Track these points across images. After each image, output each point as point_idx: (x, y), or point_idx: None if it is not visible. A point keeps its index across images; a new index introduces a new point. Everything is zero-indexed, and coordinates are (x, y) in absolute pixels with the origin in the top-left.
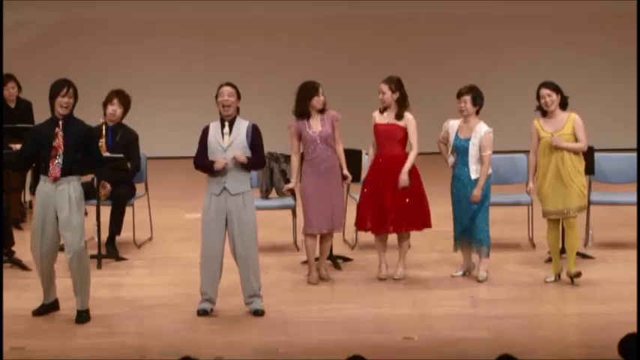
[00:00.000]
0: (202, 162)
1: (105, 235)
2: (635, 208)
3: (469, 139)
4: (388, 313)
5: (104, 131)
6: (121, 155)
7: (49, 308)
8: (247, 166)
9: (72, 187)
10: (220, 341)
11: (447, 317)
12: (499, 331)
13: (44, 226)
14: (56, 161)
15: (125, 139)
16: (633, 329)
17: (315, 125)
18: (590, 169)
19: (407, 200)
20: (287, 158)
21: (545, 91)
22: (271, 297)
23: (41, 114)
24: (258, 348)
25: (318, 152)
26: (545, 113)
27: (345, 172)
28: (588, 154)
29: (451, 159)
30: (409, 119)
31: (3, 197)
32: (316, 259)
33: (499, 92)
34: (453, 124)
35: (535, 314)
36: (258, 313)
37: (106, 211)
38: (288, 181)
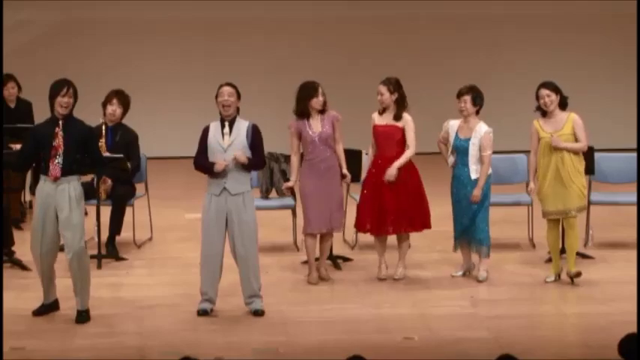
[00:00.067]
0: (202, 163)
1: (105, 235)
2: (635, 208)
3: (469, 139)
4: (388, 313)
5: (104, 131)
6: (121, 155)
7: (49, 308)
8: (247, 167)
9: (72, 186)
10: (220, 341)
11: (447, 317)
12: (499, 331)
13: (44, 225)
14: (56, 161)
15: (125, 139)
16: (633, 329)
17: (315, 126)
18: (590, 169)
19: (407, 201)
20: (287, 158)
21: (544, 92)
22: (271, 297)
23: (41, 114)
24: (258, 348)
25: (317, 153)
26: (544, 113)
27: (345, 171)
28: (588, 154)
29: (451, 159)
30: (407, 120)
31: (3, 197)
32: (316, 259)
33: (499, 92)
34: (453, 124)
35: (535, 314)
36: (258, 313)
37: (106, 211)
38: (288, 180)
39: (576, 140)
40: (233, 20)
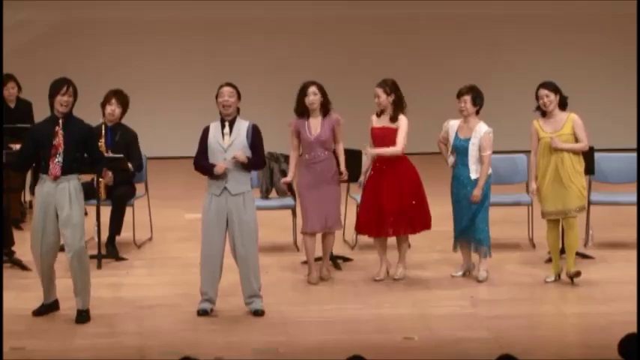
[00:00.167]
0: (202, 164)
1: (105, 235)
2: (635, 208)
3: (469, 139)
4: (388, 313)
5: (103, 131)
6: (121, 155)
7: (49, 308)
8: (247, 167)
9: (72, 185)
10: (220, 341)
11: (447, 317)
12: (499, 331)
13: (45, 225)
14: (56, 160)
15: (125, 139)
16: (633, 329)
17: (315, 127)
18: (590, 169)
19: (406, 203)
20: (287, 158)
21: (543, 92)
22: (271, 297)
23: (41, 114)
24: (258, 348)
25: (314, 155)
26: (544, 113)
27: (342, 168)
28: (588, 154)
29: (451, 159)
30: (401, 120)
31: (3, 197)
32: (318, 259)
33: (499, 92)
34: (453, 124)
35: (535, 314)
36: (258, 313)
37: (106, 211)
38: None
39: (576, 140)
40: (233, 20)
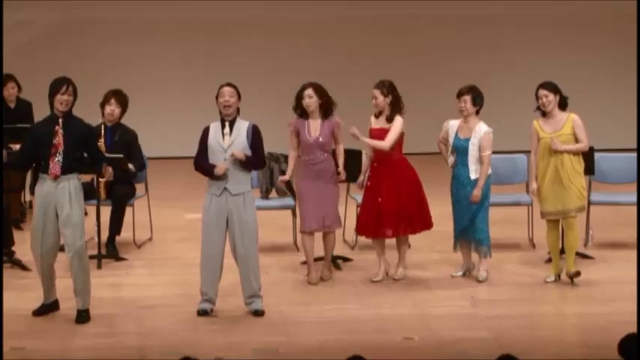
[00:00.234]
0: (203, 165)
1: (105, 235)
2: (635, 208)
3: (469, 139)
4: (388, 314)
5: (102, 131)
6: (121, 155)
7: (49, 308)
8: (247, 166)
9: (72, 184)
10: (220, 341)
11: (447, 317)
12: (499, 331)
13: (45, 224)
14: (56, 159)
15: (124, 139)
16: (633, 329)
17: (314, 129)
18: (590, 169)
19: (405, 203)
20: (287, 158)
21: (542, 92)
22: (271, 297)
23: (41, 114)
24: (258, 348)
25: (313, 157)
26: (544, 113)
27: (340, 169)
28: (588, 154)
29: (451, 159)
30: (396, 120)
31: (3, 197)
32: (320, 259)
33: (499, 92)
34: (453, 124)
35: (535, 314)
36: (258, 313)
37: (106, 211)
38: (288, 181)
39: (576, 140)
40: (233, 20)
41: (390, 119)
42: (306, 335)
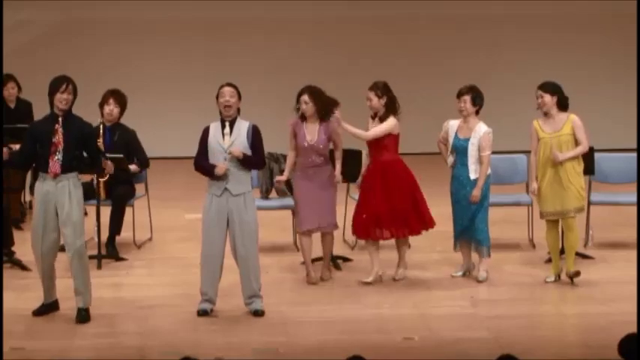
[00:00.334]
0: (203, 165)
1: (105, 235)
2: (635, 208)
3: (468, 139)
4: (388, 314)
5: (102, 131)
6: (121, 155)
7: (49, 308)
8: (247, 165)
9: (72, 183)
10: (220, 341)
11: (447, 317)
12: (499, 331)
13: (45, 223)
14: (56, 157)
15: (124, 139)
16: (633, 329)
17: (311, 133)
18: (590, 169)
19: (400, 205)
20: (287, 158)
21: (538, 92)
22: (271, 297)
23: (41, 114)
24: (258, 348)
25: (310, 160)
26: (546, 113)
27: (336, 172)
28: (588, 154)
29: (450, 159)
30: (388, 120)
31: (3, 197)
32: (319, 260)
33: (499, 92)
34: (453, 124)
35: (535, 314)
36: (258, 313)
37: (106, 211)
38: (288, 181)
39: (576, 141)
40: (233, 20)
41: (383, 120)
42: (306, 335)
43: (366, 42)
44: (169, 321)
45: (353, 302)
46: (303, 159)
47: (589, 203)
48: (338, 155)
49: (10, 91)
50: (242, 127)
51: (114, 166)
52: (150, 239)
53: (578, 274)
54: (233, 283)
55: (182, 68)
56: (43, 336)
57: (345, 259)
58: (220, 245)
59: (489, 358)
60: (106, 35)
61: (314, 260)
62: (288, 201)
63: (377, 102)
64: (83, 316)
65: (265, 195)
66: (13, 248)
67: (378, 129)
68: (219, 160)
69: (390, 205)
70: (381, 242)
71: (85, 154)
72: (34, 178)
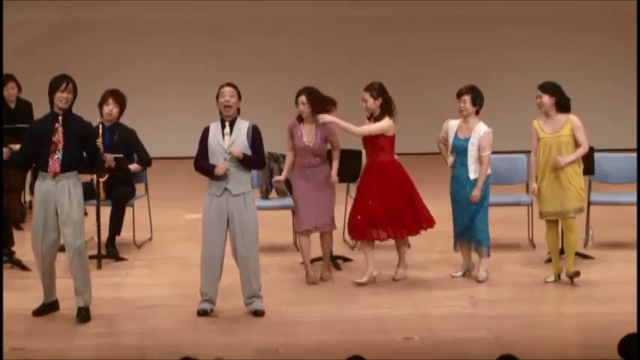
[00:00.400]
0: (203, 165)
1: (105, 235)
2: (635, 208)
3: (468, 139)
4: (388, 314)
5: (101, 131)
6: (121, 155)
7: (49, 308)
8: (247, 165)
9: (72, 182)
10: (220, 341)
11: (447, 317)
12: (499, 331)
13: (45, 222)
14: (56, 156)
15: (124, 138)
16: (633, 329)
17: (308, 135)
18: (590, 169)
19: (395, 206)
20: (285, 158)
21: (537, 92)
22: (271, 297)
23: (41, 114)
24: (258, 348)
25: (307, 161)
26: (546, 113)
27: (333, 173)
28: (588, 154)
29: (450, 159)
30: (383, 120)
31: (3, 197)
32: (318, 260)
33: (499, 92)
34: (453, 124)
35: (535, 314)
36: (258, 313)
37: (106, 211)
38: (288, 181)
39: (576, 142)
40: (233, 20)
41: (378, 121)
42: (306, 335)
43: (366, 42)
44: (169, 321)
45: (353, 302)
46: (301, 160)
47: (589, 203)
48: (335, 155)
49: (10, 91)
50: (242, 127)
51: (114, 163)
52: (150, 239)
53: (577, 274)
54: (233, 283)
55: (182, 68)
56: (43, 336)
57: (345, 259)
58: (220, 245)
59: (489, 358)
60: (106, 35)
61: (314, 260)
62: (288, 201)
63: (372, 103)
64: (83, 315)
65: (265, 195)
66: (13, 248)
67: (370, 126)
68: (219, 160)
69: (385, 206)
70: (381, 242)
71: (84, 153)
72: (34, 178)
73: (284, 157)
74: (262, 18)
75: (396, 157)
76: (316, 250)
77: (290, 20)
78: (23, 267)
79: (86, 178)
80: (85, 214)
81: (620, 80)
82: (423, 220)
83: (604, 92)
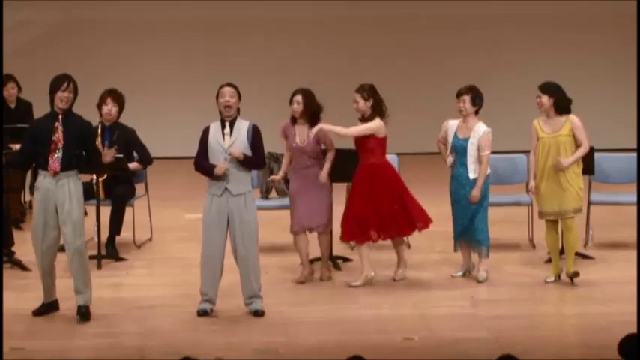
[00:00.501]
0: (203, 165)
1: (105, 235)
2: (635, 208)
3: (468, 139)
4: (388, 314)
5: (100, 131)
6: (121, 155)
7: (49, 308)
8: (247, 165)
9: (72, 181)
10: (220, 341)
11: (447, 317)
12: (499, 331)
13: (45, 221)
14: (56, 155)
15: (124, 138)
16: (633, 329)
17: (301, 136)
18: (590, 169)
19: (385, 208)
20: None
21: (537, 92)
22: (271, 297)
23: (41, 114)
24: (258, 348)
25: (300, 162)
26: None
27: (323, 173)
28: (588, 154)
29: (450, 159)
30: (374, 121)
31: (3, 197)
32: (317, 260)
33: (499, 92)
34: (453, 124)
35: (535, 314)
36: (258, 313)
37: (106, 211)
38: (287, 180)
39: (576, 142)
40: (233, 20)
41: (368, 122)
42: (306, 335)
43: (366, 42)
44: (169, 321)
45: (353, 302)
46: (295, 161)
47: (589, 203)
48: (329, 156)
49: (10, 91)
50: (242, 127)
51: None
52: (150, 239)
53: (576, 274)
54: (233, 283)
55: (182, 68)
56: (43, 336)
57: (345, 259)
58: (220, 245)
59: (489, 358)
60: (106, 35)
61: (313, 260)
62: (288, 201)
63: (363, 104)
64: (83, 312)
65: (265, 195)
66: (13, 248)
67: (360, 127)
68: (219, 160)
69: (375, 208)
70: (381, 243)
71: (84, 152)
72: (34, 178)
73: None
74: (262, 18)
75: (387, 158)
76: (315, 251)
77: (290, 20)
78: (23, 267)
79: (86, 177)
80: (85, 214)
81: (620, 80)
82: (416, 221)
83: (604, 92)
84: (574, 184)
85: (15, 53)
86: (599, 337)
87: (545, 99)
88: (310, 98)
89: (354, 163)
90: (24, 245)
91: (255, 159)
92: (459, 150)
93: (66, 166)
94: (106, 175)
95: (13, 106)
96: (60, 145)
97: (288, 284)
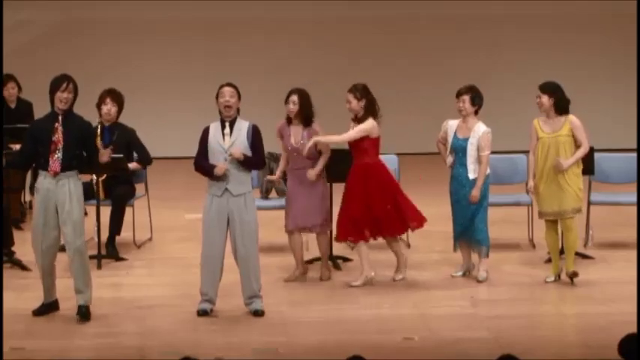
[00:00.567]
0: (203, 165)
1: (105, 235)
2: (635, 208)
3: (467, 139)
4: (388, 314)
5: (100, 131)
6: (121, 155)
7: (49, 308)
8: (247, 166)
9: (72, 182)
10: (220, 341)
11: (447, 317)
12: (499, 331)
13: (45, 221)
14: (56, 156)
15: (124, 138)
16: (633, 329)
17: (296, 137)
18: (590, 169)
19: (378, 208)
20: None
21: (537, 92)
22: (271, 297)
23: (41, 114)
24: (258, 348)
25: (295, 161)
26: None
27: (312, 171)
28: (588, 154)
29: (449, 159)
30: (366, 122)
31: (3, 197)
32: (317, 260)
33: (499, 92)
34: (452, 124)
35: (535, 314)
36: (258, 313)
37: (106, 211)
38: (286, 179)
39: (575, 142)
40: (233, 20)
41: (361, 122)
42: (306, 335)
43: (366, 42)
44: (169, 321)
45: (353, 302)
46: (291, 161)
47: (589, 203)
48: (324, 157)
49: (10, 91)
50: (242, 127)
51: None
52: (150, 239)
53: (576, 274)
54: (233, 283)
55: (182, 68)
56: (43, 336)
57: (345, 259)
58: (220, 245)
59: (489, 358)
60: (106, 35)
61: (313, 260)
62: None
63: (356, 104)
64: (83, 312)
65: (265, 195)
66: (13, 248)
67: (352, 131)
68: (219, 160)
69: (368, 207)
70: (381, 243)
71: (84, 153)
72: (34, 178)
73: None
74: (262, 18)
75: (387, 158)
76: (316, 251)
77: (290, 20)
78: (23, 267)
79: (86, 177)
80: (85, 214)
81: (620, 80)
82: (409, 220)
83: (604, 92)
84: (573, 185)
85: (15, 53)
86: (599, 337)
87: (545, 99)
88: (306, 99)
89: (348, 164)
90: (24, 245)
91: (256, 159)
92: (459, 150)
93: (66, 166)
94: (105, 175)
95: (13, 106)
96: (60, 146)
97: (288, 284)
